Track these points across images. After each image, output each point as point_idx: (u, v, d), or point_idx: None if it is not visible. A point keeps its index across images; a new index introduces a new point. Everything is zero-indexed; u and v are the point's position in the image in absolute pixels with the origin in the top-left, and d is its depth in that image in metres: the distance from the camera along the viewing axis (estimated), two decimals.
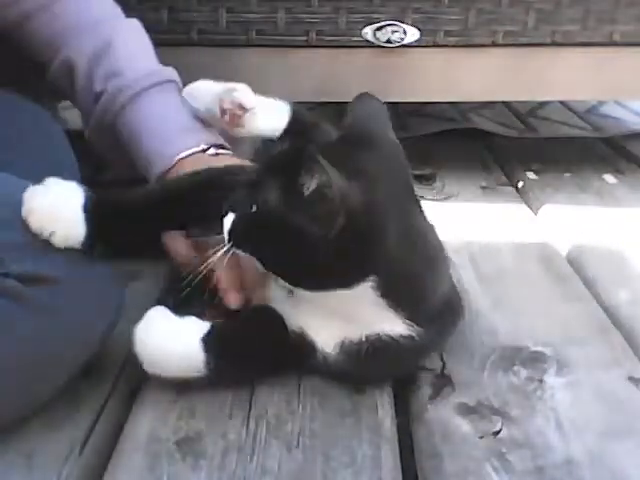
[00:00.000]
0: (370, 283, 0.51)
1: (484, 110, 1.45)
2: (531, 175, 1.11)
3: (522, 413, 0.54)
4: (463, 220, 0.92)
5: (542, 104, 1.48)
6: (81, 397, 0.55)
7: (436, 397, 0.56)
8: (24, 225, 0.51)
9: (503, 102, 1.51)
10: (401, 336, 0.54)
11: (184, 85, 0.76)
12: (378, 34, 0.96)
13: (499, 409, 0.55)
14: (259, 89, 0.74)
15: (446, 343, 0.61)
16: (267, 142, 0.71)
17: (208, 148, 0.69)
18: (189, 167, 0.67)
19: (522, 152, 1.21)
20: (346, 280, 0.51)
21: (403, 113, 1.43)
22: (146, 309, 0.57)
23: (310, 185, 0.48)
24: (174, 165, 0.68)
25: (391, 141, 0.61)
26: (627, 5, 0.96)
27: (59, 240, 0.53)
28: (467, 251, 0.81)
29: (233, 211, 0.54)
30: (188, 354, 0.54)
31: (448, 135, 1.23)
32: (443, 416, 0.54)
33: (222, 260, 0.54)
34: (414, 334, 0.54)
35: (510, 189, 1.06)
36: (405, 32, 0.95)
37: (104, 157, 0.80)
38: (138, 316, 0.56)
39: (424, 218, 0.58)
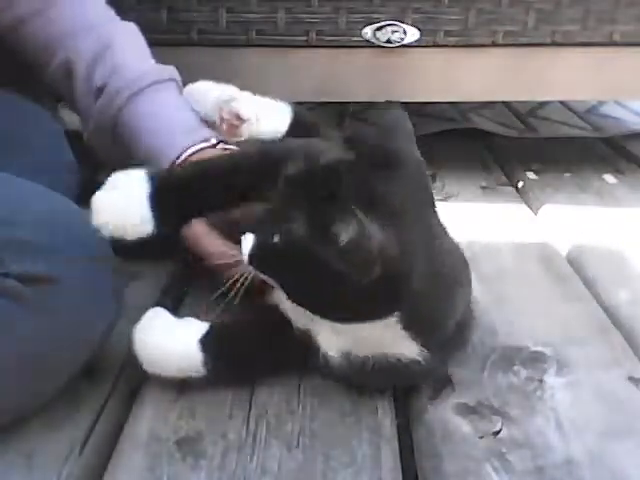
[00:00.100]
0: (394, 318, 0.51)
1: (484, 110, 1.45)
2: (531, 175, 1.11)
3: (522, 413, 0.54)
4: (463, 220, 0.92)
5: (542, 104, 1.48)
6: (81, 397, 0.55)
7: (436, 397, 0.56)
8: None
9: (503, 102, 1.51)
10: (410, 360, 0.53)
11: (184, 85, 0.76)
12: (378, 34, 0.96)
13: (499, 409, 0.55)
14: (259, 89, 0.74)
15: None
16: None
17: (218, 143, 0.69)
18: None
19: (522, 152, 1.21)
20: (372, 316, 0.51)
21: None
22: (146, 309, 0.57)
23: (344, 237, 0.47)
24: (184, 160, 0.68)
25: (415, 159, 0.58)
26: (627, 5, 0.96)
27: (131, 235, 0.54)
28: (467, 251, 0.80)
29: (252, 232, 0.52)
30: (187, 354, 0.54)
31: (448, 135, 1.23)
32: (443, 416, 0.54)
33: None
34: (422, 359, 0.54)
35: (510, 189, 1.06)
36: (405, 32, 0.96)
37: (103, 158, 0.80)
38: (138, 316, 0.56)
39: (447, 236, 0.57)
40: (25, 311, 0.48)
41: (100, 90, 0.72)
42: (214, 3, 0.94)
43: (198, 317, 0.57)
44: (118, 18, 0.77)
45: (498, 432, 0.52)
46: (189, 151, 0.68)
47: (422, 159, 0.57)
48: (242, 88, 0.72)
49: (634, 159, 1.20)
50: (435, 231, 0.56)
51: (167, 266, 0.77)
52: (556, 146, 1.26)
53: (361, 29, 0.96)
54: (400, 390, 0.58)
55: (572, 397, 0.56)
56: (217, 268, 0.62)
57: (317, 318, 0.54)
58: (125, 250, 0.69)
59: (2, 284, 0.47)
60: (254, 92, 0.71)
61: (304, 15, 0.95)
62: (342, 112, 1.40)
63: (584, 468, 0.49)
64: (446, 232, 0.57)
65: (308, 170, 0.53)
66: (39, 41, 0.75)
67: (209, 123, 0.72)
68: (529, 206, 0.99)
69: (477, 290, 0.72)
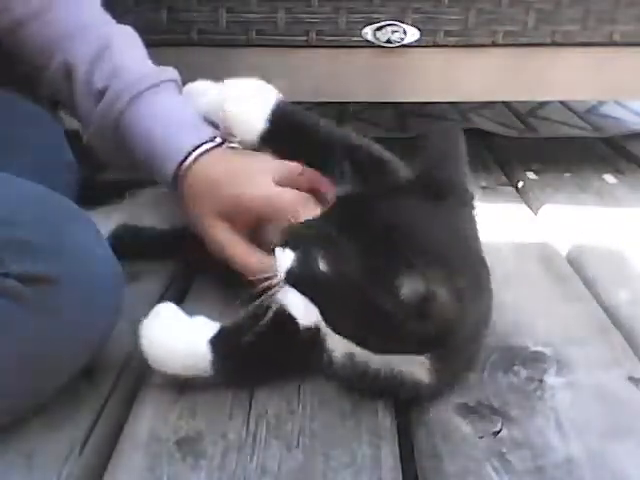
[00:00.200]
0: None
1: (484, 110, 1.45)
2: (531, 175, 1.11)
3: (522, 413, 0.54)
4: None
5: (542, 104, 1.48)
6: (81, 397, 0.55)
7: (435, 399, 0.56)
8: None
9: (503, 102, 1.51)
10: (417, 379, 0.53)
11: (183, 85, 0.76)
12: (378, 34, 0.96)
13: (499, 409, 0.55)
14: None
15: None
16: None
17: (223, 142, 0.69)
18: (209, 164, 0.67)
19: (522, 152, 1.21)
20: (410, 352, 0.51)
21: (403, 113, 1.43)
22: (146, 309, 0.57)
23: (408, 293, 0.46)
24: (195, 160, 0.68)
25: (464, 190, 0.56)
26: (627, 5, 0.96)
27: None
28: None
29: (293, 248, 0.52)
30: (195, 354, 0.54)
31: None
32: (443, 416, 0.54)
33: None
34: (430, 382, 0.54)
35: (510, 189, 1.06)
36: (405, 32, 0.95)
37: (104, 160, 0.80)
38: (138, 316, 0.56)
39: (485, 267, 0.55)
40: (25, 311, 0.48)
41: (100, 93, 0.72)
42: (214, 3, 0.94)
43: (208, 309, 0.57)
44: (114, 21, 0.77)
45: (498, 432, 0.52)
46: (194, 154, 0.68)
47: (470, 189, 0.56)
48: None
49: (634, 159, 1.20)
50: (479, 272, 0.54)
51: (167, 266, 0.77)
52: (556, 146, 1.26)
53: (361, 29, 0.96)
54: None
55: (572, 397, 0.56)
56: (243, 277, 0.63)
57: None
58: (125, 250, 0.69)
59: (2, 284, 0.47)
60: None
61: (304, 15, 0.95)
62: (342, 112, 1.40)
63: (584, 468, 0.49)
64: (485, 264, 0.55)
65: (362, 196, 0.52)
66: (36, 44, 0.75)
67: (209, 122, 0.72)
68: (529, 206, 0.99)
69: None
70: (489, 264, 0.54)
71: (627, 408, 0.55)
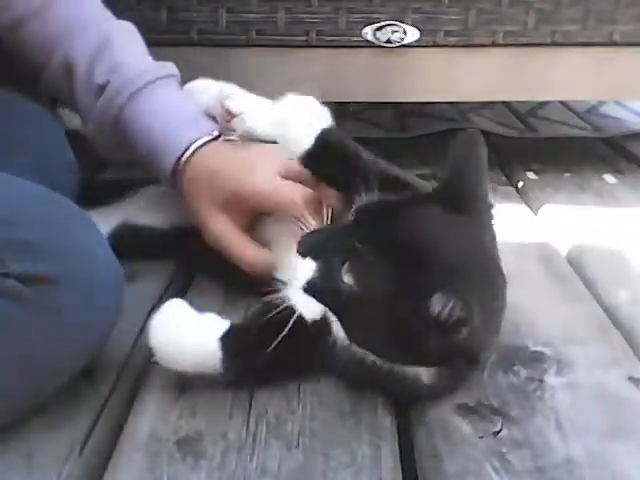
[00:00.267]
0: None
1: (484, 110, 1.45)
2: (531, 175, 1.11)
3: (522, 413, 0.54)
4: None
5: (542, 104, 1.48)
6: (81, 397, 0.55)
7: (435, 399, 0.56)
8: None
9: (503, 102, 1.51)
10: (418, 379, 0.53)
11: (183, 84, 0.76)
12: (378, 34, 0.96)
13: (499, 409, 0.55)
14: (259, 89, 0.74)
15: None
16: None
17: (219, 135, 0.70)
18: (208, 156, 0.67)
19: (522, 152, 1.21)
20: (427, 365, 0.52)
21: (403, 113, 1.43)
22: (146, 309, 0.57)
23: (441, 314, 0.46)
24: (192, 153, 0.68)
25: (485, 204, 0.56)
26: (627, 5, 0.96)
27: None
28: None
29: (314, 259, 0.52)
30: (205, 351, 0.54)
31: (448, 135, 1.23)
32: (443, 416, 0.54)
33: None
34: (432, 384, 0.54)
35: (510, 189, 1.06)
36: (405, 32, 0.95)
37: (105, 156, 0.80)
38: (138, 316, 0.56)
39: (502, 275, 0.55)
40: (25, 311, 0.48)
41: (101, 88, 0.72)
42: (214, 3, 0.94)
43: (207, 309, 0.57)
44: (114, 17, 0.77)
45: (498, 432, 0.52)
46: (193, 147, 0.68)
47: (490, 202, 0.55)
48: (242, 88, 0.73)
49: (634, 159, 1.20)
50: (499, 285, 0.54)
51: (167, 266, 0.77)
52: (556, 146, 1.26)
53: (361, 29, 0.96)
54: None
55: (572, 397, 0.56)
56: (249, 274, 0.64)
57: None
58: (125, 249, 0.69)
59: (2, 284, 0.47)
60: (254, 92, 0.72)
61: (304, 15, 0.95)
62: (342, 112, 1.40)
63: (584, 468, 0.49)
64: (502, 273, 0.55)
65: (385, 206, 0.52)
66: (37, 41, 0.75)
67: (210, 117, 0.72)
68: (529, 206, 0.99)
69: None
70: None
71: (627, 408, 0.55)
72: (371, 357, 0.53)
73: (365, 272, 0.49)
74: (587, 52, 0.98)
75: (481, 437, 0.52)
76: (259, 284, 0.63)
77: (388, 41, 0.96)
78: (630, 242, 0.85)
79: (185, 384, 0.56)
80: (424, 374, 0.53)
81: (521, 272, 0.77)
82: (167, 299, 0.59)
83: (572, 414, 0.54)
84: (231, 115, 0.68)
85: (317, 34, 0.96)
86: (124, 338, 0.60)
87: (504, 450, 0.50)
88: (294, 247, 0.54)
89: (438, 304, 0.46)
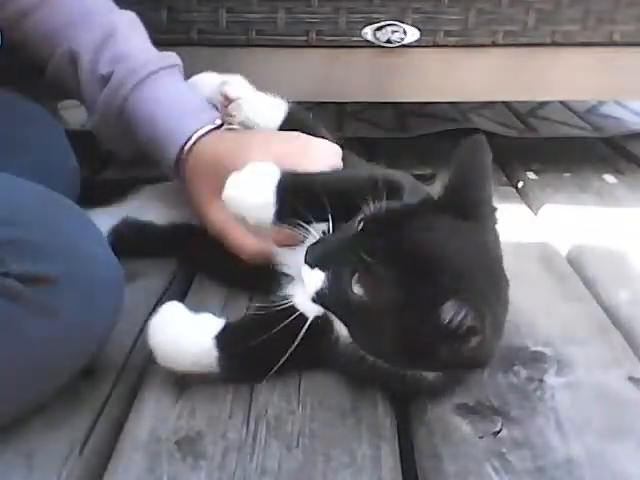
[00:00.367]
0: None
1: (484, 110, 1.45)
2: (531, 175, 1.11)
3: (522, 413, 0.54)
4: None
5: (542, 104, 1.48)
6: (81, 397, 0.55)
7: (437, 397, 0.56)
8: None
9: (503, 102, 1.51)
10: (420, 378, 0.53)
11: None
12: (378, 34, 0.96)
13: (499, 409, 0.55)
14: (259, 89, 0.74)
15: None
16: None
17: (222, 124, 0.70)
18: (210, 144, 0.68)
19: (522, 152, 1.21)
20: (435, 370, 0.52)
21: (403, 113, 1.43)
22: (146, 309, 0.57)
23: (452, 322, 0.46)
24: (195, 142, 0.68)
25: (490, 211, 0.56)
26: (627, 5, 0.96)
27: (251, 216, 0.58)
28: None
29: (322, 269, 0.52)
30: (201, 351, 0.54)
31: (448, 135, 1.23)
32: (443, 416, 0.54)
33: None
34: (433, 380, 0.54)
35: (510, 189, 1.06)
36: (405, 32, 0.95)
37: (109, 146, 0.80)
38: (138, 316, 0.56)
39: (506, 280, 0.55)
40: (25, 311, 0.48)
41: (105, 79, 0.72)
42: (214, 3, 0.94)
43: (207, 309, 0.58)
44: (117, 7, 0.77)
45: (498, 432, 0.52)
46: (195, 136, 0.68)
47: (494, 207, 0.56)
48: None
49: (634, 159, 1.20)
50: (505, 290, 0.54)
51: (167, 265, 0.77)
52: (556, 146, 1.26)
53: (361, 29, 0.96)
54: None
55: (572, 397, 0.56)
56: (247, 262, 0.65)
57: None
58: (126, 246, 0.69)
59: (2, 284, 0.47)
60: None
61: (304, 15, 0.95)
62: (342, 112, 1.40)
63: (584, 468, 0.49)
64: (506, 277, 0.55)
65: (392, 215, 0.52)
66: (41, 33, 0.75)
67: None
68: (529, 206, 0.99)
69: None
70: None
71: (627, 408, 0.55)
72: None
73: (375, 282, 0.50)
74: (587, 52, 0.98)
75: (481, 437, 0.52)
76: (260, 278, 0.63)
77: (388, 41, 0.96)
78: (630, 242, 0.85)
79: (185, 384, 0.56)
80: (430, 375, 0.53)
81: (521, 272, 0.77)
82: (167, 299, 0.59)
83: (572, 414, 0.54)
84: (229, 100, 0.69)
85: (317, 34, 0.96)
86: (124, 338, 0.60)
87: (504, 450, 0.50)
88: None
89: (450, 312, 0.46)
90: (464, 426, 0.53)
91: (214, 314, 0.57)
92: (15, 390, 0.50)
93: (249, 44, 0.96)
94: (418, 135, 1.27)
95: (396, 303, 0.49)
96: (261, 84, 0.75)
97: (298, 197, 0.57)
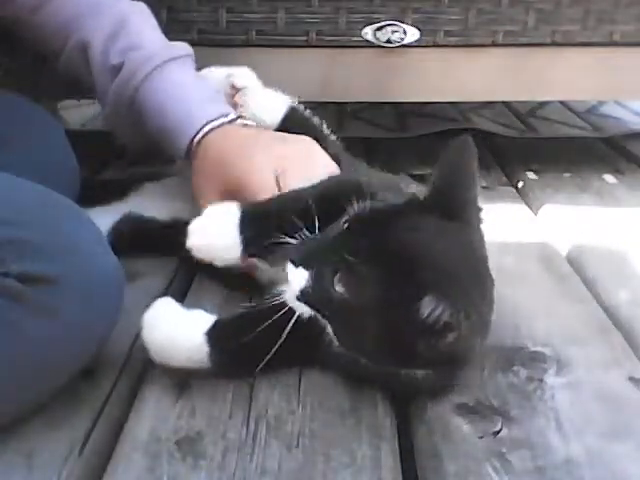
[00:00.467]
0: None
1: (484, 110, 1.45)
2: (531, 175, 1.11)
3: (522, 413, 0.54)
4: None
5: (542, 104, 1.48)
6: (81, 397, 0.55)
7: (436, 397, 0.56)
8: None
9: (503, 102, 1.51)
10: (414, 376, 0.54)
11: None
12: (378, 34, 0.96)
13: (499, 409, 0.55)
14: None
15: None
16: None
17: (236, 118, 0.70)
18: (217, 140, 0.68)
19: (522, 152, 1.21)
20: (416, 368, 0.52)
21: (403, 113, 1.43)
22: (146, 309, 0.57)
23: (429, 319, 0.47)
24: (205, 135, 0.69)
25: (476, 209, 0.56)
26: (627, 5, 0.96)
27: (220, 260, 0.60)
28: None
29: (306, 268, 0.52)
30: (192, 346, 0.55)
31: (448, 135, 1.23)
32: (443, 416, 0.54)
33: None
34: (424, 378, 0.54)
35: (510, 189, 1.06)
36: (405, 32, 0.95)
37: (122, 139, 0.80)
38: (138, 316, 0.56)
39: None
40: (25, 311, 0.48)
41: (116, 69, 0.72)
42: (214, 3, 0.94)
43: (206, 310, 0.58)
44: None
45: (498, 432, 0.52)
46: (207, 128, 0.68)
47: (480, 207, 0.56)
48: None
49: (634, 159, 1.20)
50: (488, 290, 0.54)
51: (168, 265, 0.77)
52: (556, 146, 1.26)
53: (361, 29, 0.96)
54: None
55: (572, 397, 0.56)
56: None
57: None
58: (127, 243, 0.69)
59: (2, 283, 0.47)
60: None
61: (304, 15, 0.95)
62: (342, 112, 1.40)
63: (584, 468, 0.49)
64: (491, 277, 0.54)
65: (377, 215, 0.52)
66: (53, 26, 0.75)
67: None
68: (529, 206, 0.99)
69: None
70: (492, 261, 0.54)
71: (627, 408, 0.55)
72: None
73: (356, 281, 0.50)
74: (587, 52, 0.98)
75: (481, 437, 0.52)
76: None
77: (388, 41, 0.96)
78: (630, 242, 0.85)
79: (185, 384, 0.56)
80: (419, 371, 0.53)
81: (521, 272, 0.77)
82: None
83: (572, 414, 0.54)
84: (235, 90, 0.69)
85: (317, 34, 0.96)
86: (124, 338, 0.60)
87: (504, 450, 0.50)
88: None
89: (428, 306, 0.47)
90: (464, 426, 0.53)
91: (211, 313, 0.58)
92: (15, 390, 0.50)
93: (249, 44, 0.96)
94: (418, 135, 1.27)
95: (377, 301, 0.49)
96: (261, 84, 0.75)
97: (263, 227, 0.58)
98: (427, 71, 0.99)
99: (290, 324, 0.53)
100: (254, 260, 0.62)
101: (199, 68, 0.79)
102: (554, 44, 0.98)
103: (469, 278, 0.51)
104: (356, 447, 0.50)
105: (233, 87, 0.71)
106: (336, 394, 0.56)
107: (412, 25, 0.95)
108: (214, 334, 0.55)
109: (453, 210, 0.53)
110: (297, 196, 0.61)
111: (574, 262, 0.81)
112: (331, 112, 1.37)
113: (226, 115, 0.71)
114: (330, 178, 0.63)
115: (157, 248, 0.77)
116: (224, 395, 0.56)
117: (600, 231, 0.89)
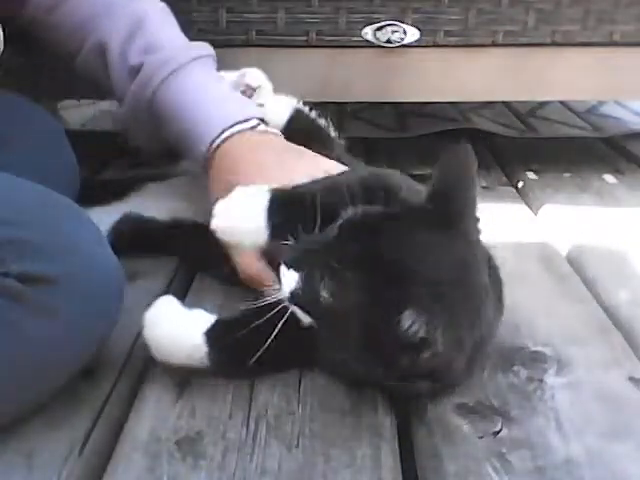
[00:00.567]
0: None
1: (484, 110, 1.45)
2: (531, 175, 1.11)
3: (522, 413, 0.54)
4: None
5: (542, 104, 1.48)
6: (81, 397, 0.55)
7: (436, 397, 0.56)
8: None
9: (503, 102, 1.51)
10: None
11: None
12: (378, 34, 0.96)
13: (499, 409, 0.55)
14: None
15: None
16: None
17: (257, 125, 0.69)
18: (233, 149, 0.67)
19: (522, 152, 1.21)
20: (398, 382, 0.52)
21: (403, 113, 1.43)
22: (146, 309, 0.57)
23: (408, 332, 0.46)
24: (224, 140, 0.68)
25: (473, 219, 0.55)
26: (627, 5, 0.96)
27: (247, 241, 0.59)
28: None
29: (296, 270, 0.52)
30: (192, 345, 0.55)
31: (448, 135, 1.23)
32: (443, 416, 0.54)
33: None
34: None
35: (510, 189, 1.06)
36: (405, 32, 0.96)
37: (137, 142, 0.79)
38: (138, 316, 0.56)
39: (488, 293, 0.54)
40: (25, 311, 0.48)
41: (135, 70, 0.72)
42: (214, 3, 0.94)
43: (207, 309, 0.58)
44: None
45: (498, 432, 0.52)
46: (224, 135, 0.68)
47: (477, 217, 0.55)
48: None
49: (634, 159, 1.20)
50: (481, 304, 0.53)
51: (168, 266, 0.77)
52: (556, 146, 1.26)
53: (361, 29, 0.96)
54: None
55: (572, 397, 0.56)
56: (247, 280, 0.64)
57: None
58: (127, 243, 0.69)
59: (2, 283, 0.47)
60: None
61: (304, 15, 0.95)
62: (342, 112, 1.40)
63: (584, 468, 0.49)
64: (487, 290, 0.54)
65: (370, 221, 0.52)
66: (68, 26, 0.75)
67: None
68: (529, 206, 0.99)
69: None
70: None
71: (627, 408, 0.55)
72: None
73: (341, 287, 0.50)
74: (587, 52, 0.98)
75: (481, 437, 0.52)
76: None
77: (388, 41, 0.96)
78: (630, 242, 0.85)
79: (185, 384, 0.56)
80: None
81: (521, 272, 0.77)
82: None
83: (572, 414, 0.54)
84: (250, 89, 0.69)
85: (317, 34, 0.96)
86: (124, 338, 0.60)
87: (504, 450, 0.50)
88: None
89: (408, 320, 0.46)
90: (464, 426, 0.53)
91: (211, 312, 0.58)
92: (15, 390, 0.50)
93: (249, 44, 0.96)
94: (418, 135, 1.27)
95: (361, 308, 0.49)
96: None
97: (292, 212, 0.57)
98: (427, 71, 0.99)
99: (289, 324, 0.53)
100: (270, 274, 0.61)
101: None
102: (554, 44, 0.98)
103: (456, 293, 0.49)
104: (356, 447, 0.50)
105: (248, 87, 0.71)
106: (336, 394, 0.56)
107: (412, 25, 0.95)
108: (213, 334, 0.56)
109: (449, 219, 0.52)
110: (333, 184, 0.59)
111: (574, 262, 0.81)
112: (331, 112, 1.36)
113: (247, 120, 0.69)
114: (364, 170, 0.62)
115: (157, 248, 0.77)
116: (224, 395, 0.56)
117: (600, 231, 0.89)
